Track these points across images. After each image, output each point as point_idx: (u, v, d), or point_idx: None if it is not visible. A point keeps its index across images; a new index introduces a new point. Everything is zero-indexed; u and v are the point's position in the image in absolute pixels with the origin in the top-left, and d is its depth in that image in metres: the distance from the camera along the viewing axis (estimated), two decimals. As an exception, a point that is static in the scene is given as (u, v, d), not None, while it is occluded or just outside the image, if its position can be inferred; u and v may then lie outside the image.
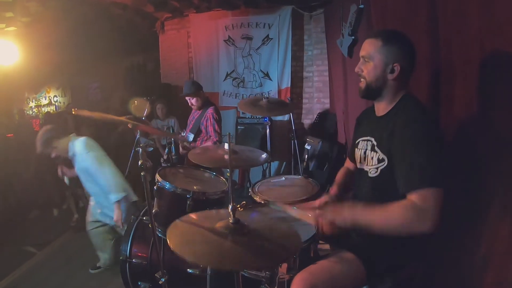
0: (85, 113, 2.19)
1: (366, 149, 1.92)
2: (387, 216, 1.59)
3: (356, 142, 2.05)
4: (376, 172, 1.83)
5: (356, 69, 1.89)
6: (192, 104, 4.17)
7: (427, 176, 1.56)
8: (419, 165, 1.58)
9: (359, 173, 2.02)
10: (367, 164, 1.91)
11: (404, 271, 1.87)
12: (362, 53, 1.86)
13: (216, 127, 4.06)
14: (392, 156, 1.74)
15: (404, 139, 1.67)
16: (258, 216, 1.78)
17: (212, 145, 3.86)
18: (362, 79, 1.87)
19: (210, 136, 4.07)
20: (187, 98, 4.14)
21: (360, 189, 2.02)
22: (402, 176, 1.64)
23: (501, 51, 1.53)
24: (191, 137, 4.13)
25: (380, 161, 1.81)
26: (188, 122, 4.37)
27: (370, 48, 1.81)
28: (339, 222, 1.70)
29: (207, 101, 4.25)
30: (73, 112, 2.03)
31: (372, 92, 1.86)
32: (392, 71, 1.77)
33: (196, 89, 4.10)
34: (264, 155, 2.58)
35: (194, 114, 4.29)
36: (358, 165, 2.01)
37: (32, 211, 5.93)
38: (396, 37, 1.81)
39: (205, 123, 4.10)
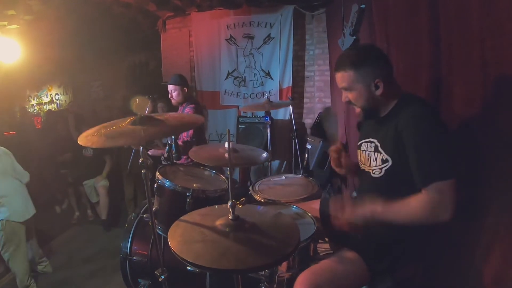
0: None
1: (370, 151, 1.93)
2: (407, 211, 1.64)
3: (359, 143, 2.06)
4: (380, 172, 1.84)
5: (344, 99, 1.90)
6: (171, 97, 4.08)
7: (438, 170, 1.59)
8: (429, 160, 1.62)
9: (362, 174, 2.03)
10: (370, 165, 1.92)
11: (405, 271, 1.88)
12: (340, 86, 1.87)
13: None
14: (398, 155, 1.75)
15: (410, 136, 1.68)
16: (263, 209, 1.79)
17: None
18: (354, 106, 1.90)
19: (182, 136, 3.94)
20: (169, 89, 4.06)
21: (364, 189, 2.03)
22: (415, 172, 1.66)
23: (501, 51, 1.53)
24: (170, 138, 4.05)
25: (384, 161, 1.82)
26: None
27: (344, 81, 1.82)
28: (358, 219, 1.74)
29: (189, 99, 4.18)
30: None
31: (371, 112, 1.89)
32: (377, 88, 1.78)
33: (181, 82, 4.04)
34: (264, 154, 2.59)
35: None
36: (361, 166, 2.02)
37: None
38: (362, 57, 1.80)
39: None
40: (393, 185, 1.80)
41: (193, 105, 4.06)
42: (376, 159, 1.87)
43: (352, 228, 1.77)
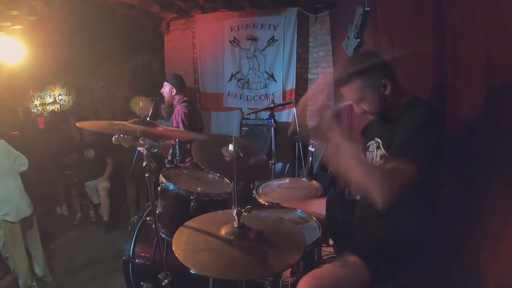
0: (87, 125, 2.14)
1: (373, 150, 1.96)
2: (365, 165, 1.60)
3: (367, 145, 2.06)
4: None
5: (359, 112, 1.89)
6: (162, 91, 4.13)
7: (412, 152, 1.58)
8: (410, 144, 1.61)
9: None
10: (374, 163, 1.92)
11: (407, 275, 1.87)
12: (351, 100, 1.85)
13: (181, 125, 3.85)
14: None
15: (404, 127, 1.69)
16: (266, 215, 1.79)
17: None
18: (368, 114, 1.88)
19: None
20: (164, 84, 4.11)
21: None
22: (392, 147, 1.68)
23: (506, 56, 1.52)
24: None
25: (382, 157, 1.85)
26: None
27: (354, 93, 1.82)
28: (325, 133, 1.69)
29: (181, 99, 4.13)
30: (77, 126, 1.98)
31: (385, 114, 1.87)
32: (385, 87, 1.78)
33: (173, 82, 4.05)
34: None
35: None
36: None
37: (36, 209, 5.94)
38: (365, 62, 1.79)
39: (173, 122, 3.97)
40: None
41: (184, 103, 4.02)
42: (379, 156, 1.90)
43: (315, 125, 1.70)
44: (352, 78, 1.80)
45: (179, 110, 3.92)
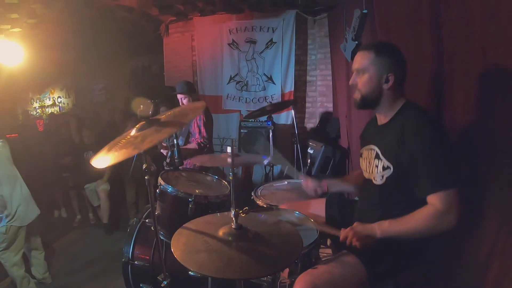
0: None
1: (370, 158, 1.95)
2: (415, 226, 1.67)
3: (360, 151, 2.07)
4: (381, 179, 1.85)
5: (351, 82, 1.93)
6: (182, 104, 4.12)
7: (444, 179, 1.63)
8: (435, 169, 1.66)
9: (365, 182, 2.04)
10: (371, 172, 1.93)
11: (405, 275, 1.88)
12: (355, 66, 1.91)
13: (202, 129, 3.99)
14: (400, 163, 1.77)
15: (415, 145, 1.70)
16: (265, 218, 1.80)
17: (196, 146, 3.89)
18: (356, 91, 1.92)
19: (195, 138, 4.01)
20: (179, 97, 4.12)
21: (366, 197, 2.06)
22: (420, 181, 1.69)
23: (503, 59, 1.54)
24: (181, 141, 4.10)
25: (385, 168, 1.83)
26: None
27: (363, 60, 1.87)
28: (369, 237, 1.75)
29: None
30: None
31: (369, 103, 1.91)
32: (387, 81, 1.82)
33: (189, 89, 4.09)
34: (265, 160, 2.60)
35: None
36: (364, 174, 2.03)
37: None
38: (387, 48, 1.88)
39: (193, 125, 4.06)
40: (395, 192, 1.82)
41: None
42: (377, 166, 1.89)
43: (364, 244, 1.76)
44: (369, 48, 1.86)
45: (200, 115, 4.02)
